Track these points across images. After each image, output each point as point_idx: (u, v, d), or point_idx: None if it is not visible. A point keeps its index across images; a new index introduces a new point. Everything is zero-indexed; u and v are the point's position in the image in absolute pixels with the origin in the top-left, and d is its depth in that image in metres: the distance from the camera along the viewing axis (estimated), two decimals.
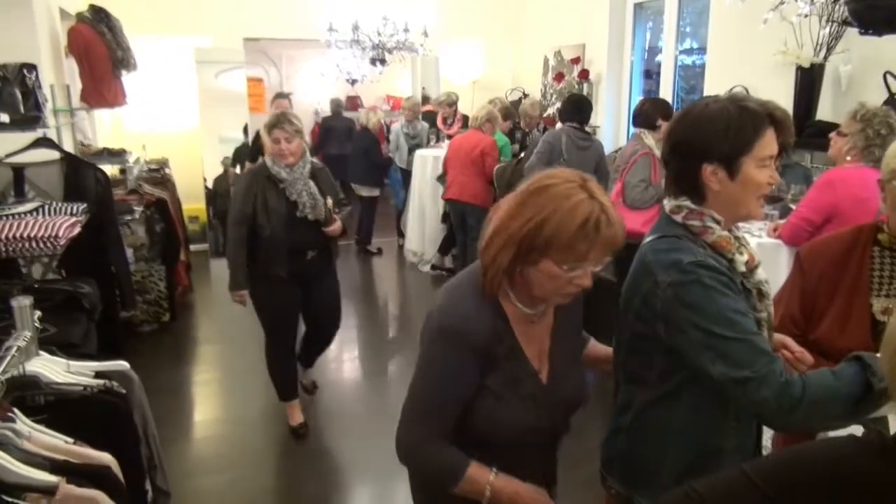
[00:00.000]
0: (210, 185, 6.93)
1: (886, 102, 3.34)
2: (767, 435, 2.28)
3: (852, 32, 3.13)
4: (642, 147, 3.96)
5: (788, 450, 1.02)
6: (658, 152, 3.93)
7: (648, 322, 1.42)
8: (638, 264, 1.47)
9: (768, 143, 1.38)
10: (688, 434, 1.44)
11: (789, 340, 1.56)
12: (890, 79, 3.38)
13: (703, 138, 1.39)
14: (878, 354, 1.28)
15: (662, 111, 4.05)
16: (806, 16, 2.56)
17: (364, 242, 7.13)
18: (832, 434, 1.51)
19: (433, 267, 6.39)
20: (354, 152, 7.04)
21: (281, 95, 5.65)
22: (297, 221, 3.19)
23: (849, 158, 2.79)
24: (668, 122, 3.80)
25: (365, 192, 7.00)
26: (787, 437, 1.91)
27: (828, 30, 3.48)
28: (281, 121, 3.16)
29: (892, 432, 0.93)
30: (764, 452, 2.04)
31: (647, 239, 1.49)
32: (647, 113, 4.05)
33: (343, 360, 4.68)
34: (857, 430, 1.40)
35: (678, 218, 1.44)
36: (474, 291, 1.39)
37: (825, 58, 3.72)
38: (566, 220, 1.27)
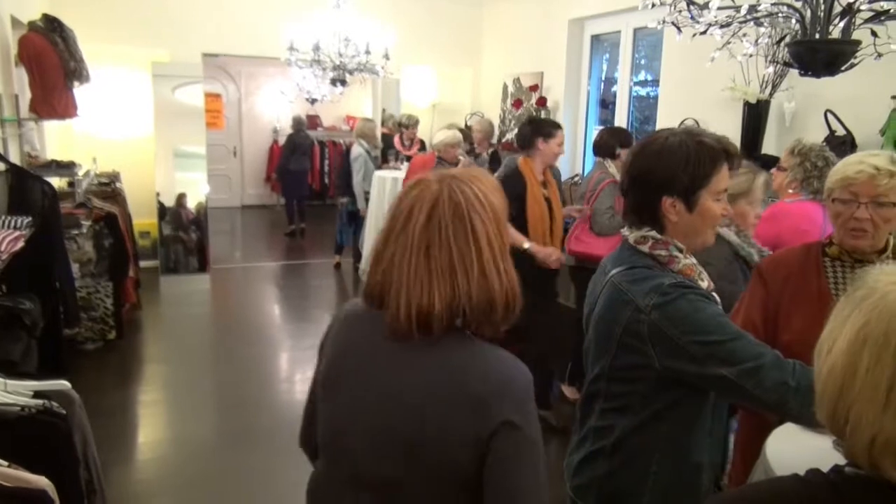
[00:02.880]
0: (163, 198, 6.80)
1: (827, 139, 3.50)
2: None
3: (795, 72, 3.28)
4: (607, 175, 4.02)
5: (741, 496, 1.02)
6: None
7: (636, 350, 1.43)
8: (612, 295, 1.49)
9: (724, 177, 1.45)
10: (671, 453, 1.48)
11: None
12: (830, 117, 3.55)
13: (663, 171, 1.44)
14: None
15: (619, 139, 4.10)
16: (751, 55, 2.68)
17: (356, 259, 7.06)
18: (770, 462, 1.56)
19: None
20: (346, 165, 6.98)
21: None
22: None
23: (790, 191, 2.93)
24: (626, 150, 3.82)
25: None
26: (746, 452, 1.96)
27: (772, 69, 3.64)
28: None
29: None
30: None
31: (615, 270, 1.51)
32: (606, 143, 4.12)
33: (297, 380, 4.63)
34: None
35: (644, 248, 1.48)
36: None
37: (770, 94, 3.89)
38: None
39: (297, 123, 9.43)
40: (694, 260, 1.51)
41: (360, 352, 1.20)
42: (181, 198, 6.91)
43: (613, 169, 4.05)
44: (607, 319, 1.49)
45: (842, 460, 0.91)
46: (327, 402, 1.24)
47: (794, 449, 1.59)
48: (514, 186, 3.60)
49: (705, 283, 1.49)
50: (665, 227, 1.48)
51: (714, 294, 1.53)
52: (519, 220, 3.56)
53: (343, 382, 1.21)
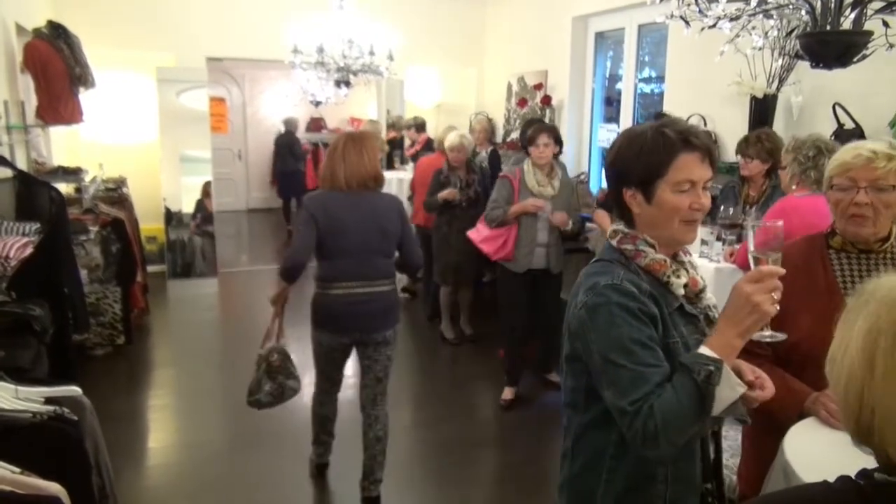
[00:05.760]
0: (169, 203, 6.82)
1: (836, 132, 3.48)
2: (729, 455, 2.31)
3: (803, 65, 3.26)
4: (509, 170, 4.29)
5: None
6: (531, 178, 4.07)
7: (571, 343, 1.44)
8: (576, 286, 1.49)
9: (683, 167, 1.38)
10: (621, 458, 1.42)
11: (745, 367, 1.55)
12: (839, 110, 3.52)
13: (621, 162, 1.45)
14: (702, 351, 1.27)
15: (526, 136, 4.22)
16: (760, 49, 2.66)
17: None
18: (789, 461, 1.54)
19: (403, 290, 6.36)
20: None
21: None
22: None
23: (794, 187, 2.94)
24: (531, 147, 4.13)
25: None
26: (759, 450, 1.92)
27: (780, 62, 3.61)
28: None
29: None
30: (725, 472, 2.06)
31: (592, 261, 1.53)
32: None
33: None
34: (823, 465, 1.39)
35: (614, 242, 1.47)
36: None
37: (778, 88, 3.85)
38: None
39: (285, 124, 9.75)
40: (678, 259, 1.47)
41: (344, 204, 2.86)
42: (207, 186, 6.95)
43: (527, 165, 4.13)
44: (567, 311, 1.49)
45: (864, 457, 0.90)
46: (336, 232, 2.83)
47: (813, 446, 1.57)
48: None
49: (682, 280, 1.43)
50: (633, 220, 1.46)
51: (707, 295, 1.49)
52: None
53: (343, 217, 2.84)
